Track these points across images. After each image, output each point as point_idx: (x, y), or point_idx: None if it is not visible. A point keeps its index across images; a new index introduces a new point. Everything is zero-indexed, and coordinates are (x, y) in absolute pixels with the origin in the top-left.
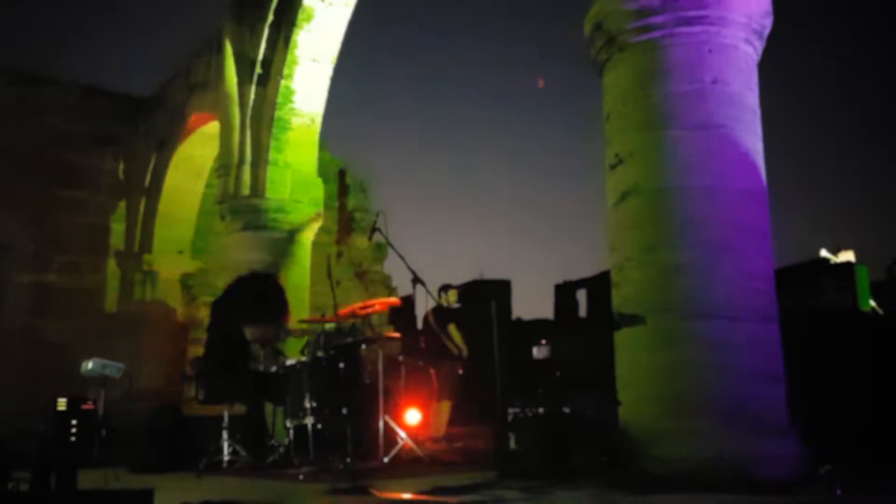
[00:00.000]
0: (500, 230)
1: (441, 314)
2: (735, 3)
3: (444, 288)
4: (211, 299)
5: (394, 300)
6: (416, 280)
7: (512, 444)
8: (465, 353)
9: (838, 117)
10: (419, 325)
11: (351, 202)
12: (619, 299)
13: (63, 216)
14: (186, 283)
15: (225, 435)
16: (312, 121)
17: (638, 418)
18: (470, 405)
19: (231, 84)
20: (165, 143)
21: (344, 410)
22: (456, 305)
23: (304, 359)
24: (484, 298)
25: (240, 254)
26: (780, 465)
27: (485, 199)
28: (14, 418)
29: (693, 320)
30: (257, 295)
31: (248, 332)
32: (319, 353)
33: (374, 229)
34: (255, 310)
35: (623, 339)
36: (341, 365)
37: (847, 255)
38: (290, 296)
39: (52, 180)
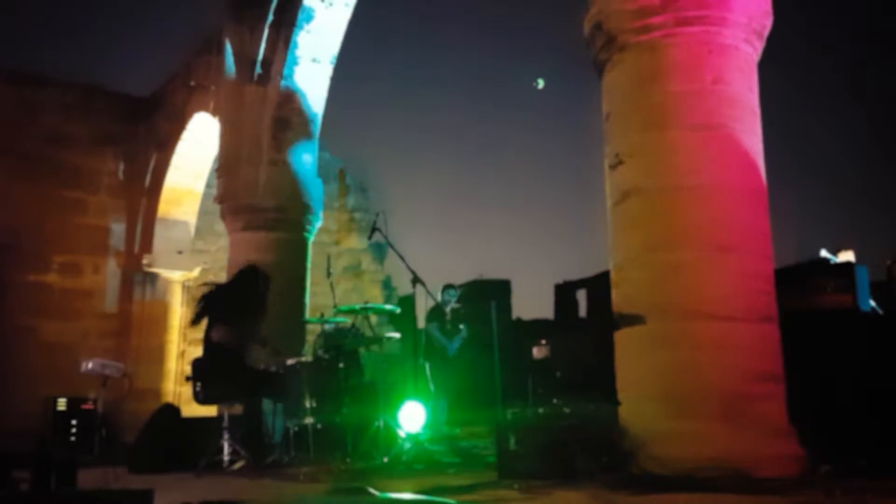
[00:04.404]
0: (501, 230)
1: (439, 313)
2: (735, 3)
3: (446, 288)
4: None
5: None
6: (416, 280)
7: (512, 444)
8: (463, 353)
9: (839, 117)
10: (419, 324)
11: (351, 202)
12: (619, 299)
13: (63, 216)
14: (186, 283)
15: (225, 435)
16: (312, 121)
17: (638, 418)
18: (470, 405)
19: (231, 84)
20: (165, 143)
21: (344, 410)
22: (456, 305)
23: (304, 359)
24: (484, 298)
25: (240, 254)
26: (780, 465)
27: (485, 198)
28: (14, 418)
29: (693, 320)
30: (252, 291)
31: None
32: (319, 353)
33: (374, 229)
34: (249, 307)
35: (623, 339)
36: (341, 365)
37: (847, 255)
38: (290, 296)
39: (52, 180)
